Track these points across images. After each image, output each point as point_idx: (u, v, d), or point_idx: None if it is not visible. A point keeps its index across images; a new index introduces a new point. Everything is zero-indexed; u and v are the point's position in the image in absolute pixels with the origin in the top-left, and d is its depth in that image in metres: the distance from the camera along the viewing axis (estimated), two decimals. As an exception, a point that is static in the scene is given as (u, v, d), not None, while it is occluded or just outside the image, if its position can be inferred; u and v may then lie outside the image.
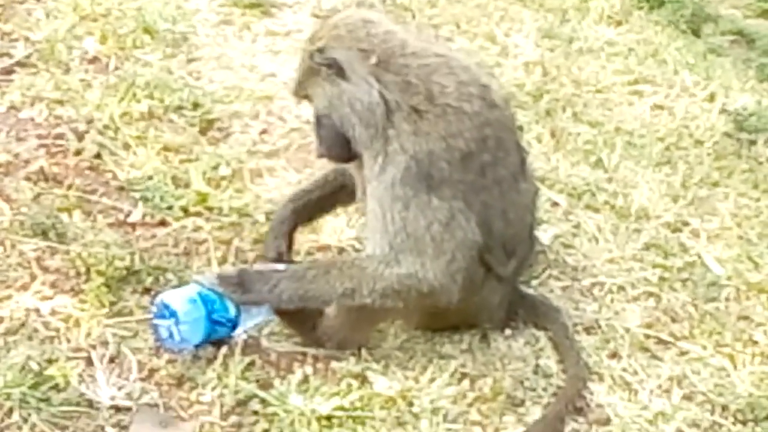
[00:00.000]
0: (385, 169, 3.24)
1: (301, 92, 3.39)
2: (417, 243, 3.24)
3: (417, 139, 3.23)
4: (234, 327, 3.31)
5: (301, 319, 3.42)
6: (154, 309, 3.29)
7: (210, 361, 3.28)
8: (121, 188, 3.83)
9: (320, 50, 3.27)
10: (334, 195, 3.66)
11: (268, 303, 3.32)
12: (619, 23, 5.62)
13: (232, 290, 3.28)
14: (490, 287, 3.47)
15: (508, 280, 3.52)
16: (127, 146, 4.00)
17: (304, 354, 3.40)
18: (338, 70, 3.23)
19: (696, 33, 5.76)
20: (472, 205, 3.29)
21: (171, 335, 3.25)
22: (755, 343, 3.78)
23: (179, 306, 3.25)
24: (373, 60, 3.24)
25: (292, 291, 3.28)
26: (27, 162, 3.85)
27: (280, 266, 3.39)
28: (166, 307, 3.25)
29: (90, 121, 4.07)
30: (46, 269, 3.48)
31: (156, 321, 3.28)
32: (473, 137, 3.27)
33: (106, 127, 4.06)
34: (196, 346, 3.28)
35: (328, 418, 3.19)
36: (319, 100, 3.31)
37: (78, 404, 3.09)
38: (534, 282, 3.83)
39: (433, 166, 3.22)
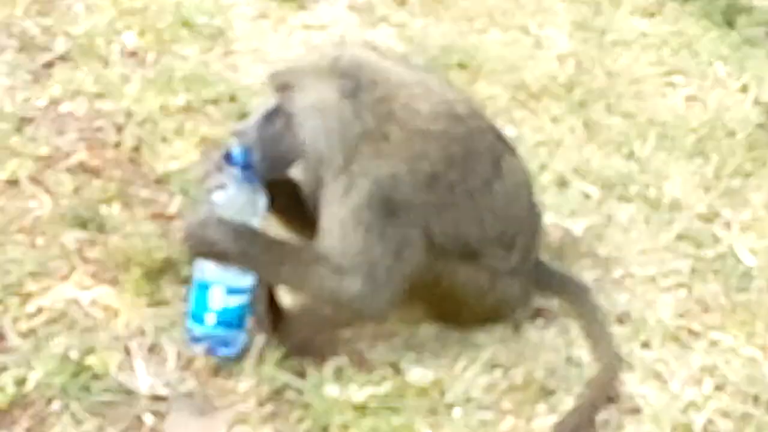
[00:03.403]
0: (348, 192, 3.20)
1: (292, 80, 3.25)
2: (371, 269, 3.20)
3: (379, 162, 3.20)
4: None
5: (270, 308, 3.39)
6: (198, 346, 3.30)
7: (246, 350, 3.32)
8: (159, 180, 3.88)
9: (350, 62, 3.25)
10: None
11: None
12: (652, 15, 5.61)
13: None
14: (504, 284, 3.47)
15: (520, 270, 3.51)
16: (165, 139, 4.04)
17: (338, 343, 3.43)
18: (354, 89, 3.21)
19: (730, 24, 5.73)
20: (435, 227, 3.27)
21: (229, 344, 3.30)
22: (786, 333, 3.78)
23: (212, 347, 3.28)
24: (379, 93, 3.23)
25: (240, 265, 3.20)
26: (67, 155, 3.90)
27: (240, 228, 3.21)
28: (197, 338, 3.29)
29: (129, 115, 4.11)
30: (86, 260, 3.53)
31: (214, 353, 3.30)
32: (439, 157, 3.25)
33: (144, 120, 4.10)
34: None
35: (362, 406, 3.22)
36: (305, 96, 3.23)
37: (117, 393, 3.14)
38: (566, 273, 3.85)
39: (395, 189, 3.20)
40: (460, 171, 3.30)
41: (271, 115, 3.27)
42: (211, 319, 3.25)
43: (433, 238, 3.29)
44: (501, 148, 3.47)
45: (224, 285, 3.24)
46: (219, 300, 3.25)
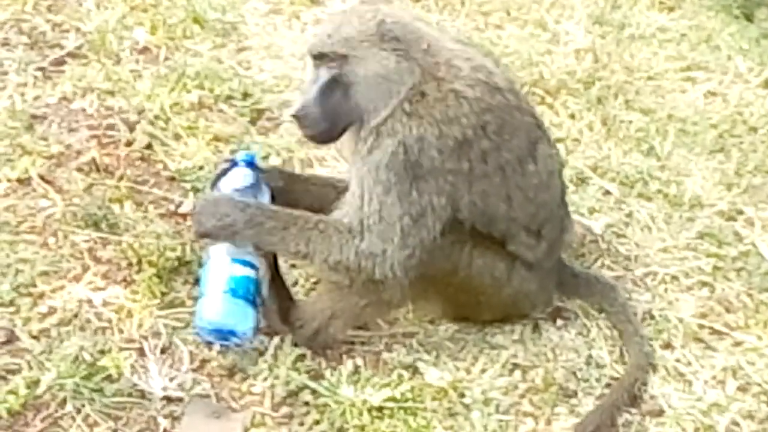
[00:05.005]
0: (371, 151, 3.22)
1: (341, 50, 3.26)
2: (386, 229, 3.20)
3: (410, 123, 3.22)
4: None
5: (279, 296, 3.38)
6: (210, 336, 3.29)
7: (261, 352, 3.29)
8: (172, 179, 3.85)
9: (393, 23, 3.27)
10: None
11: (221, 240, 3.28)
12: (671, 9, 5.56)
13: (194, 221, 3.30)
14: (520, 278, 3.43)
15: (541, 265, 3.47)
16: (177, 137, 4.01)
17: (354, 344, 3.40)
18: (405, 50, 3.24)
19: (749, 18, 5.68)
20: (463, 197, 3.26)
21: (239, 325, 3.26)
22: (811, 333, 3.73)
23: (223, 320, 3.25)
24: (425, 45, 3.27)
25: (247, 236, 3.24)
26: (79, 153, 3.87)
27: (248, 201, 3.29)
28: (214, 331, 3.27)
29: (141, 112, 4.08)
30: (98, 260, 3.50)
31: (228, 343, 3.29)
32: (471, 124, 3.25)
33: (156, 117, 4.07)
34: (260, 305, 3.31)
35: (380, 409, 3.19)
36: (365, 65, 3.25)
37: (130, 395, 3.12)
38: (586, 272, 3.80)
39: (423, 153, 3.21)
40: (493, 141, 3.29)
41: (329, 87, 3.27)
42: (218, 286, 3.23)
43: (460, 211, 3.27)
44: (539, 134, 3.46)
45: (228, 256, 3.25)
46: (224, 269, 3.25)
